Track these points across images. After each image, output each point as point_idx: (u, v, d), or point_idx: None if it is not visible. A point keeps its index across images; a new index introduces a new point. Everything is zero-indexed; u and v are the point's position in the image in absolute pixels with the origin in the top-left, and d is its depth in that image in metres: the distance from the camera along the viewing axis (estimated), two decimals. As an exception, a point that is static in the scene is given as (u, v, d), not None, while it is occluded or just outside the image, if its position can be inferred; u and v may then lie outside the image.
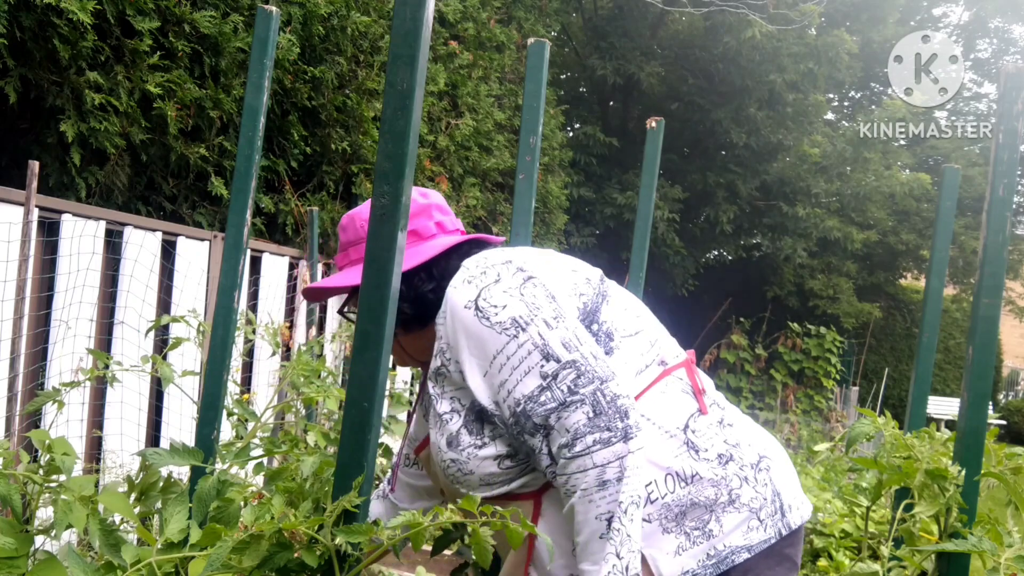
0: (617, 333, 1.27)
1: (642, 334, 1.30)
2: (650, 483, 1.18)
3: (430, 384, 1.31)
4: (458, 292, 1.23)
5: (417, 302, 1.34)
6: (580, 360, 1.13)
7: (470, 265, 1.26)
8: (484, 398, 1.19)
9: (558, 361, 1.13)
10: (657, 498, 1.18)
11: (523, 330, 1.15)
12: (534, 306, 1.17)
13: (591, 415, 1.10)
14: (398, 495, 1.60)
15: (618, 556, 1.09)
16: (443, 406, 1.26)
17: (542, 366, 1.14)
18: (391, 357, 1.32)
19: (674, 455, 1.20)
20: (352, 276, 1.36)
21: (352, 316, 1.39)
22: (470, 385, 1.20)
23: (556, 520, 1.19)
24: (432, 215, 1.39)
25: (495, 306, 1.18)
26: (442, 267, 1.33)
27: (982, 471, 1.83)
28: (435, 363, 1.28)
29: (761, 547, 1.20)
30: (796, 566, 1.28)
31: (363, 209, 1.39)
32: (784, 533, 1.24)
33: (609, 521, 1.09)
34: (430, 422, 1.32)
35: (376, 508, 1.55)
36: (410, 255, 1.30)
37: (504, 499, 1.23)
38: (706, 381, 1.33)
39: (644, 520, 1.17)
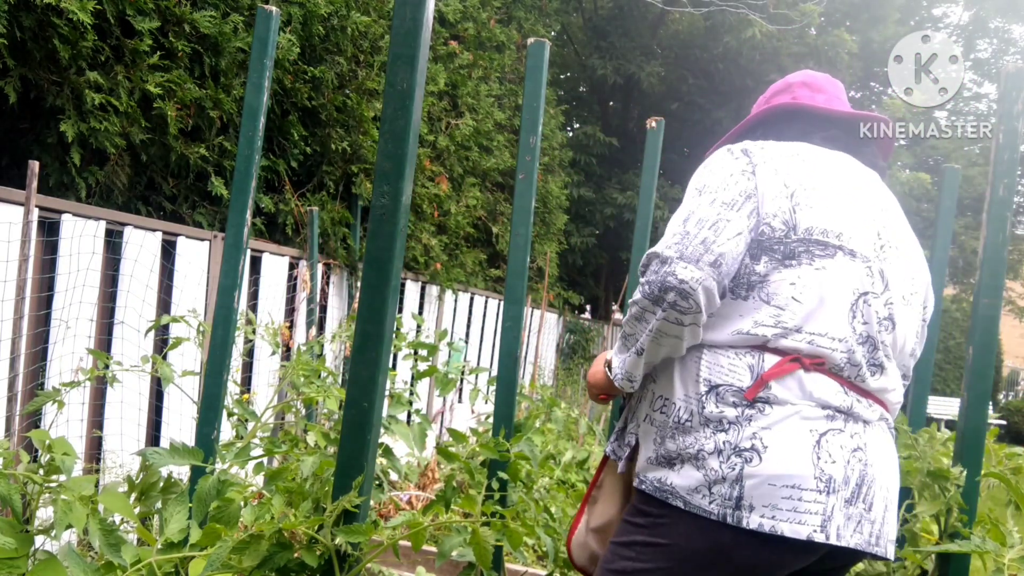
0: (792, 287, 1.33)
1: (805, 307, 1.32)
2: (671, 400, 1.36)
3: None
4: None
5: None
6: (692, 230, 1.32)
7: None
8: None
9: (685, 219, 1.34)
10: (664, 415, 1.37)
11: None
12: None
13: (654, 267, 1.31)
14: None
15: (622, 362, 1.41)
16: None
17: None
18: (391, 357, 1.31)
19: (700, 393, 1.32)
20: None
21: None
22: None
23: None
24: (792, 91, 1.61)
25: None
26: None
27: (982, 471, 1.83)
28: None
29: (697, 512, 1.27)
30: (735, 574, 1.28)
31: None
32: (730, 521, 1.25)
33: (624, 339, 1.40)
34: None
35: None
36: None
37: None
38: (797, 384, 1.30)
39: (650, 423, 1.40)
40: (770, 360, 1.29)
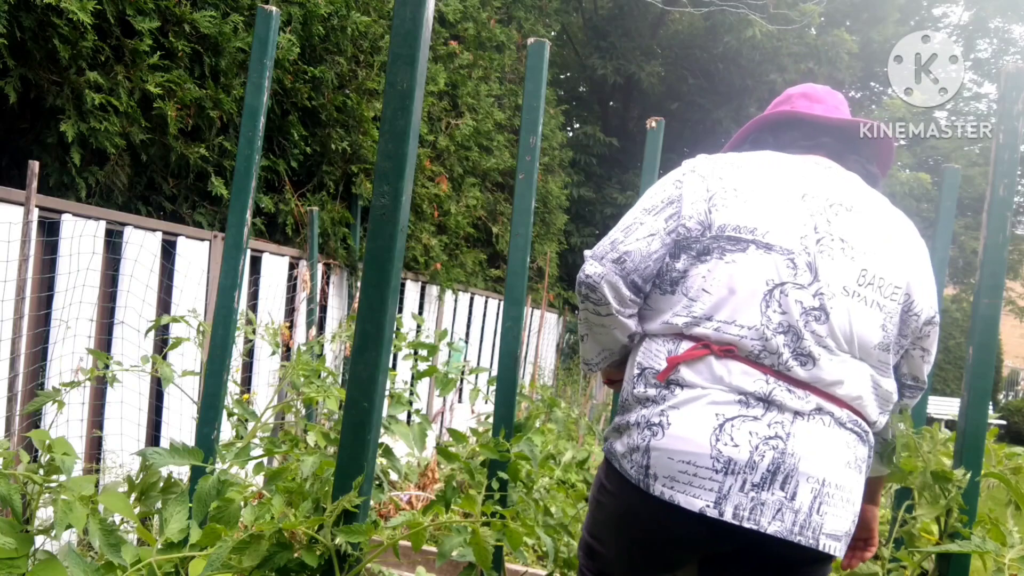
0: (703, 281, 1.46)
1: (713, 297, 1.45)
2: (624, 382, 1.53)
3: None
4: None
5: None
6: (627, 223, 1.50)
7: None
8: None
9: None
10: (620, 394, 1.59)
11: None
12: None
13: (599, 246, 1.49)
14: None
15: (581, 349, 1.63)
16: None
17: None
18: (391, 357, 1.31)
19: (635, 375, 1.48)
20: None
21: None
22: None
23: None
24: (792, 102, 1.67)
25: None
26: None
27: (982, 471, 1.83)
28: None
29: (623, 474, 1.42)
30: (645, 535, 1.44)
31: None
32: (641, 487, 1.38)
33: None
34: None
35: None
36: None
37: None
38: (707, 369, 1.39)
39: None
40: (684, 346, 1.41)
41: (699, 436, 1.33)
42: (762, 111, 1.76)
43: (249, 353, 4.06)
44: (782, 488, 1.31)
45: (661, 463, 1.35)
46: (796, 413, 1.35)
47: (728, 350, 1.37)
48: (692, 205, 1.44)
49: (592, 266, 1.44)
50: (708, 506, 1.30)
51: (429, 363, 2.28)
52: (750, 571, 1.40)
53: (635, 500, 1.40)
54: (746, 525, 1.30)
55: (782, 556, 1.36)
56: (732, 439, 1.32)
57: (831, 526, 1.33)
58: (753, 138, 1.67)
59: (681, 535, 1.38)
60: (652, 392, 1.41)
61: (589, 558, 1.60)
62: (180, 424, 3.46)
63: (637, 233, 1.44)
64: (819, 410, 1.36)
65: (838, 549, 1.34)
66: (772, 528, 1.30)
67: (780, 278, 1.37)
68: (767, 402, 1.34)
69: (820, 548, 1.32)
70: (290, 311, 4.47)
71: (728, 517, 1.30)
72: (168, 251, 3.45)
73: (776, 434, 1.33)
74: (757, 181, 1.45)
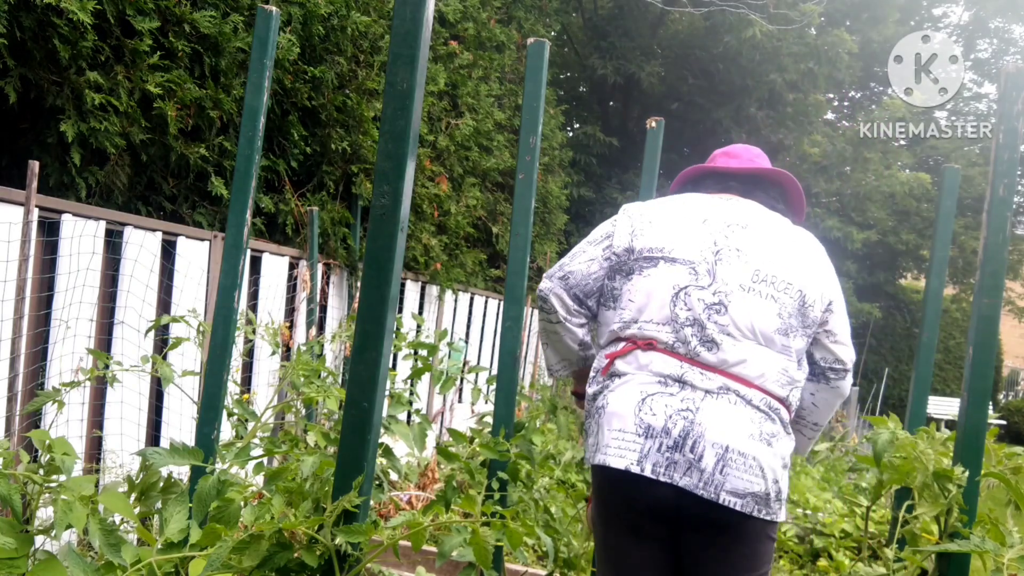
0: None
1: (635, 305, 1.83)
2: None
3: None
4: None
5: None
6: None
7: None
8: None
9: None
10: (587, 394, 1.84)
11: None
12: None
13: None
14: None
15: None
16: None
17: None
18: (391, 357, 1.32)
19: (590, 378, 1.84)
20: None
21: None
22: None
23: None
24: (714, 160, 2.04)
25: None
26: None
27: (982, 471, 1.83)
28: None
29: (587, 460, 1.76)
30: (608, 508, 1.74)
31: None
32: (591, 462, 1.72)
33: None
34: None
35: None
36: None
37: None
38: (635, 360, 1.74)
39: None
40: (619, 346, 1.77)
41: (627, 409, 1.67)
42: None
43: (249, 353, 4.06)
44: (692, 451, 1.61)
45: (603, 436, 1.69)
46: (706, 392, 1.66)
47: (650, 344, 1.72)
48: (620, 237, 1.84)
49: (544, 283, 1.88)
50: (632, 464, 1.62)
51: (429, 363, 2.28)
52: (694, 536, 1.67)
53: (595, 479, 1.75)
54: (662, 479, 1.60)
55: (707, 517, 1.63)
56: (651, 410, 1.65)
57: (732, 485, 1.60)
58: (678, 189, 2.07)
59: (626, 496, 1.68)
60: (597, 387, 1.77)
61: (609, 572, 1.84)
62: (180, 424, 3.46)
63: (580, 258, 1.87)
64: (725, 389, 1.66)
65: (740, 505, 1.60)
66: (683, 482, 1.59)
67: (684, 283, 1.73)
68: (681, 382, 1.67)
69: (720, 502, 1.59)
70: (290, 311, 4.47)
71: (647, 472, 1.61)
72: (168, 251, 3.45)
73: (687, 407, 1.64)
74: (668, 214, 1.85)
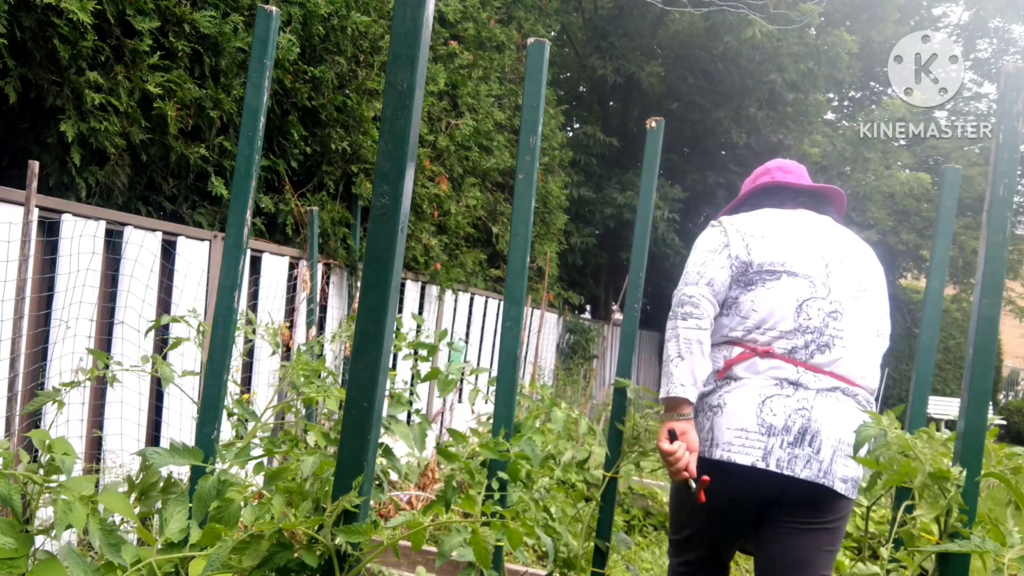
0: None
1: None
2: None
3: None
4: None
5: None
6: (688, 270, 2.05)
7: None
8: None
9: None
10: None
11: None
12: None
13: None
14: None
15: (668, 376, 1.96)
16: None
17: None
18: (391, 357, 1.32)
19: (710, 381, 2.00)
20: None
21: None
22: None
23: None
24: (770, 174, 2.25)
25: None
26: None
27: (982, 471, 1.83)
28: None
29: (706, 454, 1.93)
30: (711, 500, 1.91)
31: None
32: (706, 456, 1.91)
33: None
34: None
35: None
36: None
37: None
38: (753, 366, 1.92)
39: None
40: (736, 351, 1.95)
41: (747, 410, 1.87)
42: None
43: (249, 353, 4.06)
44: (811, 445, 1.83)
45: (721, 434, 1.88)
46: (817, 391, 1.87)
47: (768, 351, 1.90)
48: (736, 247, 1.99)
49: (690, 288, 1.97)
50: (757, 460, 1.83)
51: (429, 363, 2.28)
52: (786, 511, 1.89)
53: (711, 472, 1.89)
54: (785, 472, 1.82)
55: (806, 498, 1.85)
56: (772, 411, 1.86)
57: (843, 473, 1.85)
58: (751, 203, 2.23)
59: (738, 490, 1.88)
60: (712, 386, 1.94)
61: (678, 555, 2.10)
62: (180, 424, 3.46)
63: (711, 266, 1.98)
64: (834, 388, 1.89)
65: (844, 489, 1.85)
66: (804, 474, 1.82)
67: (806, 295, 1.93)
68: (796, 385, 1.88)
69: (835, 488, 1.83)
70: (290, 311, 4.47)
71: (772, 467, 1.82)
72: (168, 251, 3.45)
73: (803, 407, 1.85)
74: (776, 229, 2.02)
